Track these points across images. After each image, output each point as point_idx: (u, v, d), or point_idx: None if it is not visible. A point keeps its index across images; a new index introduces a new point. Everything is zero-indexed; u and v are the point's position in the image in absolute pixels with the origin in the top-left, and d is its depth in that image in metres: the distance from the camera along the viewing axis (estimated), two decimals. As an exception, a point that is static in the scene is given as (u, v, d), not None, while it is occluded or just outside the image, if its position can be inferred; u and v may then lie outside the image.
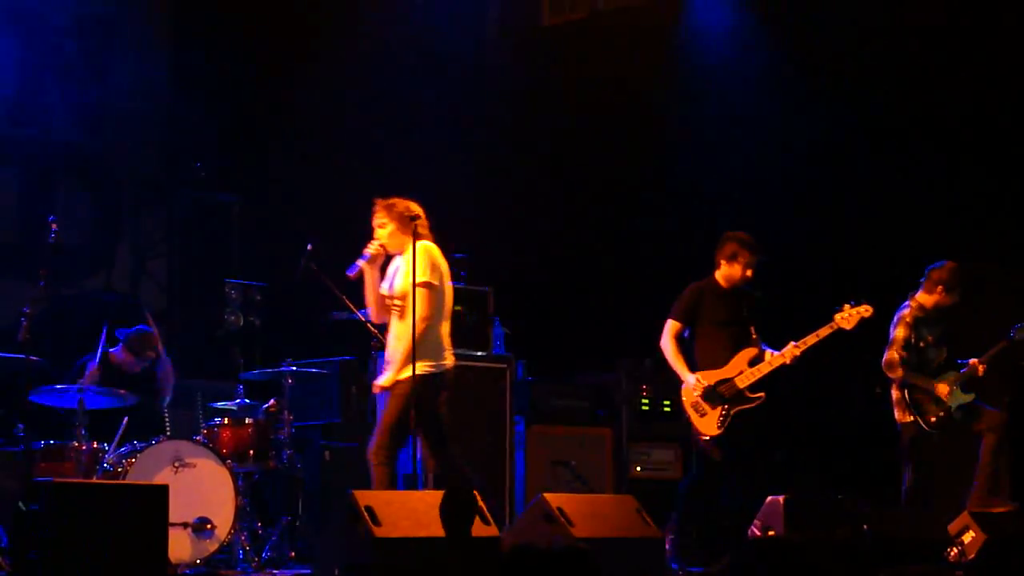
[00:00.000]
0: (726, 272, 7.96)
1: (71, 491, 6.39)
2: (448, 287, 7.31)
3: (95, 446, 7.65)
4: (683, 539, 7.84)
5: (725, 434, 7.78)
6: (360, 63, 10.87)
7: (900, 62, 9.86)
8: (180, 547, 7.36)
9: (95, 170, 10.88)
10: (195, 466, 7.61)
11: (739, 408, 7.81)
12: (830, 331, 7.85)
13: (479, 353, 9.11)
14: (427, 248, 7.22)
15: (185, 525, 7.44)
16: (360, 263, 7.24)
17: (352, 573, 6.21)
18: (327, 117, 10.87)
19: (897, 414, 8.32)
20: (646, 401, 9.83)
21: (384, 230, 7.26)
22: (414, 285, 7.05)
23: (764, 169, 10.36)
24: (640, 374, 9.91)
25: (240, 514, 7.69)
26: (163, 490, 6.50)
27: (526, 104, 11.25)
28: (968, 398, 8.25)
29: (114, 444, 7.72)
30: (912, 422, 8.24)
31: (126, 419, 7.83)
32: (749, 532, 7.43)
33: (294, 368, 8.12)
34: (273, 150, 10.96)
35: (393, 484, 7.07)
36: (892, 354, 8.26)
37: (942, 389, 8.22)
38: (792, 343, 7.85)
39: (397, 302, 7.18)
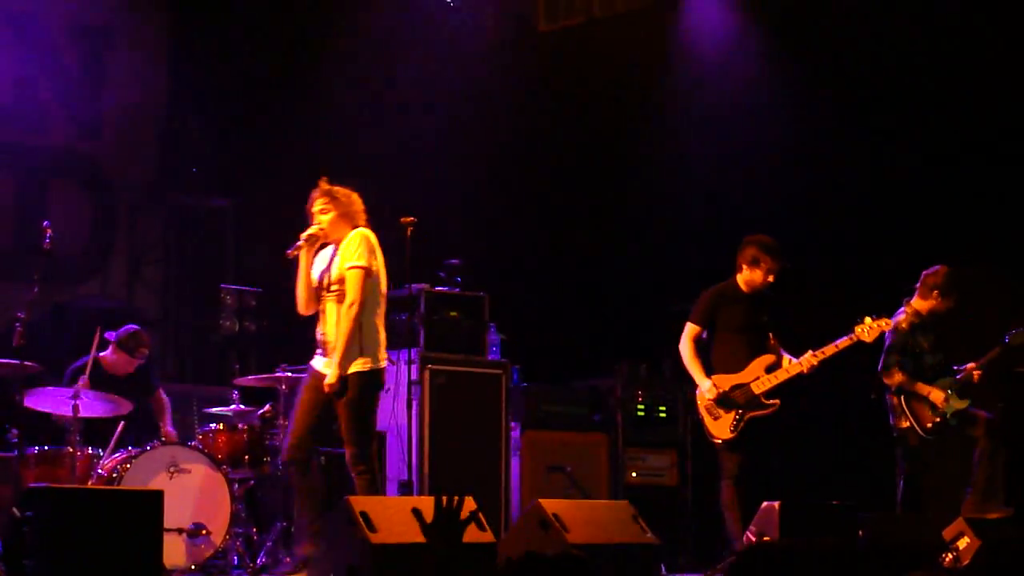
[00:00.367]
0: (747, 277, 7.87)
1: (66, 497, 6.37)
2: (384, 281, 7.13)
3: (90, 452, 7.66)
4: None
5: (738, 438, 7.76)
6: (356, 69, 10.88)
7: (898, 68, 9.86)
8: (175, 553, 7.35)
9: (91, 175, 10.88)
10: (190, 472, 7.61)
11: (753, 414, 7.74)
12: (849, 343, 7.81)
13: (475, 358, 9.12)
14: (367, 235, 7.07)
15: (180, 531, 7.43)
16: (300, 242, 7.06)
17: (347, 579, 6.20)
18: (322, 123, 10.88)
19: (893, 420, 8.33)
20: (642, 407, 9.83)
21: (326, 216, 7.08)
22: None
23: (761, 174, 10.35)
24: (636, 379, 9.90)
25: (235, 520, 7.69)
26: (158, 496, 6.49)
27: (522, 109, 11.25)
28: (963, 404, 8.25)
29: (109, 450, 7.72)
30: (908, 428, 8.25)
31: (121, 425, 7.83)
32: (744, 538, 7.42)
33: (289, 374, 8.11)
34: (268, 156, 10.96)
35: (377, 489, 7.00)
36: (888, 360, 8.27)
37: (938, 395, 8.23)
38: (811, 351, 7.78)
39: (335, 287, 7.00)
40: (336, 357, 6.94)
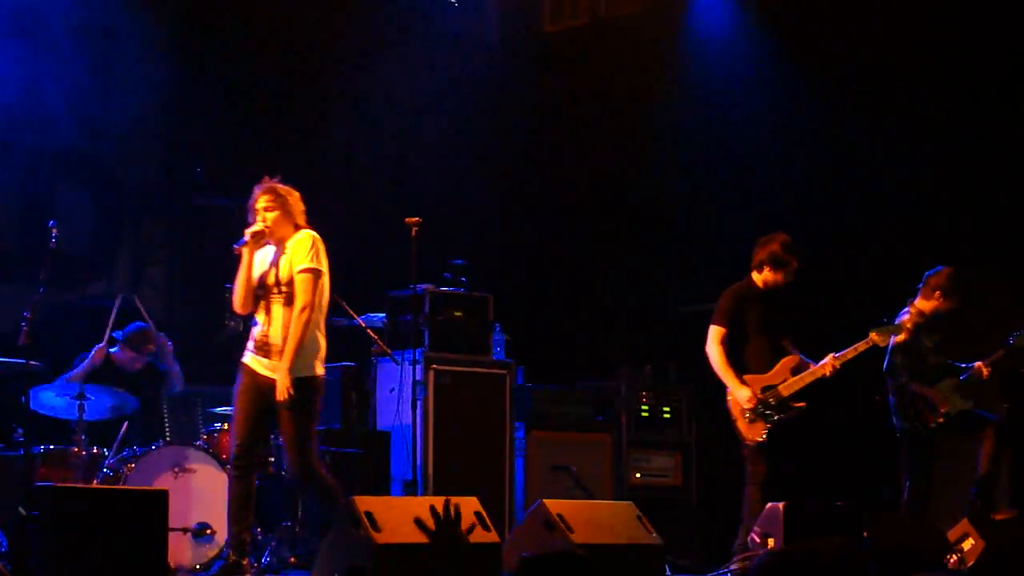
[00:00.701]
0: (768, 276, 7.81)
1: (71, 496, 6.39)
2: (328, 287, 7.00)
3: (95, 451, 7.68)
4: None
5: (768, 442, 7.71)
6: (360, 70, 10.88)
7: (902, 70, 9.86)
8: (180, 552, 7.38)
9: (96, 175, 10.88)
10: (195, 471, 7.63)
11: (782, 416, 7.72)
12: (866, 347, 7.79)
13: (479, 359, 9.13)
14: (316, 237, 6.94)
15: (185, 530, 7.45)
16: (246, 238, 6.92)
17: (351, 579, 6.20)
18: (328, 124, 10.89)
19: (897, 421, 8.33)
20: (646, 407, 9.84)
21: (271, 214, 6.93)
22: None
23: (766, 175, 10.36)
24: (640, 380, 9.91)
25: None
26: (163, 495, 6.50)
27: (527, 110, 11.25)
28: (967, 404, 8.25)
29: (114, 449, 7.74)
30: (912, 428, 8.25)
31: (126, 424, 7.85)
32: (749, 539, 7.42)
33: (293, 374, 8.10)
34: (273, 156, 10.95)
35: (334, 497, 6.83)
36: (892, 360, 8.27)
37: (941, 396, 8.23)
38: (832, 355, 7.74)
39: (284, 289, 6.86)
40: (286, 363, 6.78)
